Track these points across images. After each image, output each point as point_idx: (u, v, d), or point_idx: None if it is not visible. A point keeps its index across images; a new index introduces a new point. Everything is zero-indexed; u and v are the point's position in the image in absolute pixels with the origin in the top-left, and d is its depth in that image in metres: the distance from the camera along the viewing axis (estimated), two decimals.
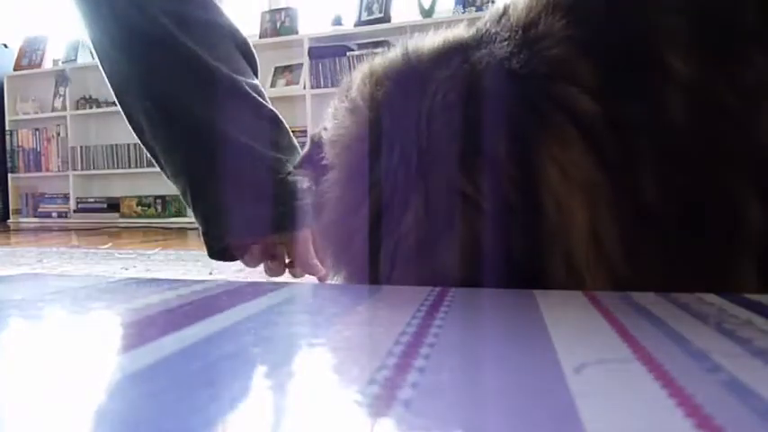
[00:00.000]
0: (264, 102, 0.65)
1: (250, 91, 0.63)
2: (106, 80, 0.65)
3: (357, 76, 0.51)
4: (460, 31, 0.48)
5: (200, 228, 0.64)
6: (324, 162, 0.50)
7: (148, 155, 0.66)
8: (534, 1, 0.44)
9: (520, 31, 0.44)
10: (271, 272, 0.66)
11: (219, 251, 0.64)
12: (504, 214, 0.41)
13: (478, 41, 0.46)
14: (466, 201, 0.42)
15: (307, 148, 0.54)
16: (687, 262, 0.39)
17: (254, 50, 0.68)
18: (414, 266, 0.44)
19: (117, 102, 0.65)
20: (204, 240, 0.64)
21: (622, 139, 0.40)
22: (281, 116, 0.66)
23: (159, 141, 0.64)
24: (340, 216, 0.49)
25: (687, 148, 0.39)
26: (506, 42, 0.44)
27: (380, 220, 0.45)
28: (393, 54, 0.50)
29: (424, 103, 0.45)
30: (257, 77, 0.68)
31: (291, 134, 0.66)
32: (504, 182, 0.41)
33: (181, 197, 0.65)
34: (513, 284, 0.41)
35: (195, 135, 0.61)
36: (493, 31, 0.46)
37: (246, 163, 0.61)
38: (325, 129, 0.52)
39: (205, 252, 0.66)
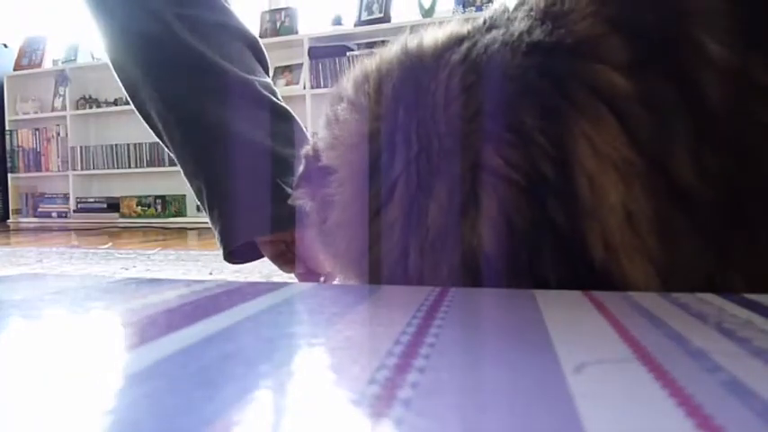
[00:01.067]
0: (278, 100, 0.65)
1: (262, 90, 0.64)
2: (120, 84, 0.67)
3: (349, 81, 0.50)
4: (458, 27, 0.47)
5: (215, 227, 0.64)
6: (324, 174, 0.48)
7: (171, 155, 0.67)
8: None
9: (542, 4, 0.42)
10: (286, 267, 0.66)
11: (235, 251, 0.64)
12: (538, 185, 0.40)
13: (488, 28, 0.44)
14: (494, 175, 0.40)
15: (302, 167, 0.52)
16: (725, 247, 0.38)
17: (264, 50, 0.69)
18: (444, 252, 0.43)
19: (132, 105, 0.66)
20: (220, 239, 0.64)
21: (655, 117, 0.38)
22: (294, 113, 0.66)
23: (175, 142, 0.64)
24: (355, 216, 0.47)
25: (724, 131, 0.38)
26: (525, 20, 0.42)
27: (404, 214, 0.44)
28: (390, 52, 0.49)
29: (438, 91, 0.43)
30: (269, 76, 0.69)
31: (305, 130, 0.66)
32: (535, 153, 0.40)
33: (195, 197, 0.66)
34: (552, 255, 0.40)
35: (209, 135, 0.62)
36: (505, 16, 0.44)
37: (264, 161, 0.61)
38: (317, 139, 0.51)
39: (207, 252, 0.66)
